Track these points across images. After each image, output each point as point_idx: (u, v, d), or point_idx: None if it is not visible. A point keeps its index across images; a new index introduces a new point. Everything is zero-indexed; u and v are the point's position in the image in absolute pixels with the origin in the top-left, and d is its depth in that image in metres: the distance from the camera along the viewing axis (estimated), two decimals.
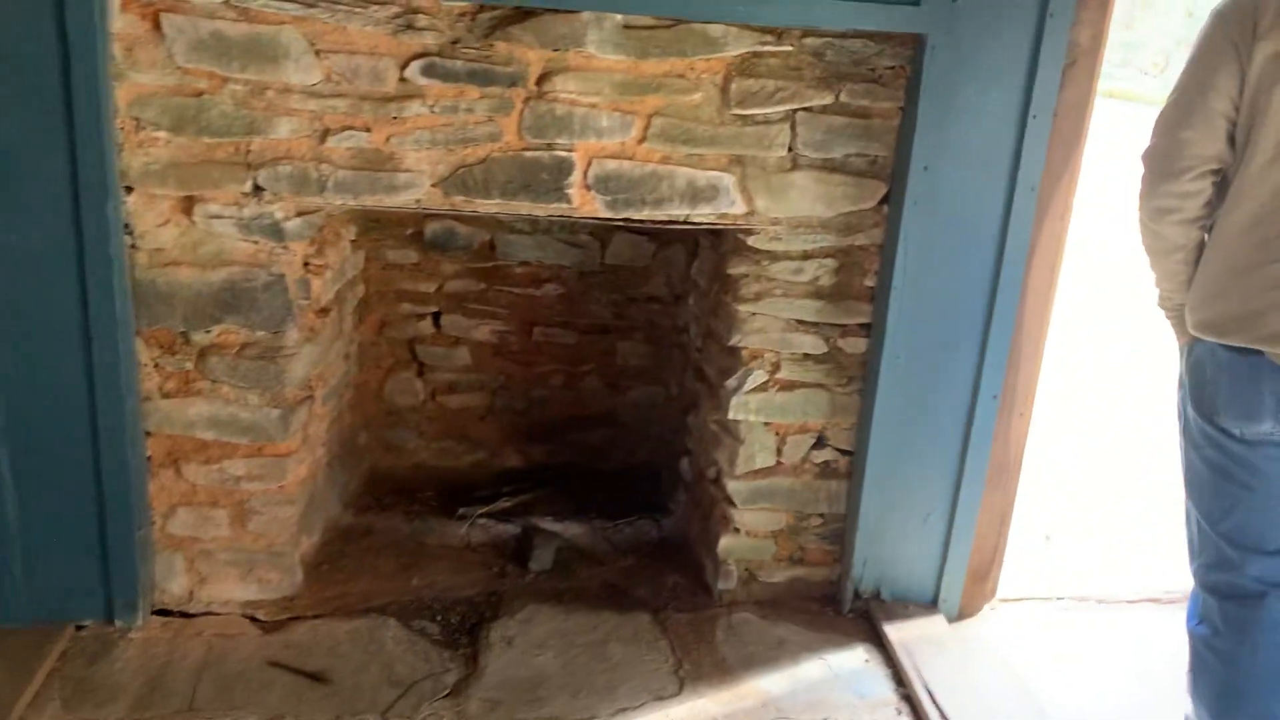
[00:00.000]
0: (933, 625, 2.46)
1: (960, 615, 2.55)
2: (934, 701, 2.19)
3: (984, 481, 2.44)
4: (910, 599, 2.53)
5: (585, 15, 2.05)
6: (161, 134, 2.05)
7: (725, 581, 2.55)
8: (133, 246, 2.11)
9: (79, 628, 2.28)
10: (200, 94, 2.04)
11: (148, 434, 2.26)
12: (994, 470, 2.46)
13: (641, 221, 2.25)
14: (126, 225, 2.08)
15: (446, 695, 2.17)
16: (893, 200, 2.26)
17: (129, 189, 2.07)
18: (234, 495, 2.35)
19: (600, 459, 3.15)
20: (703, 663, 2.32)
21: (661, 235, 2.93)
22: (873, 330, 2.37)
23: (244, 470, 2.33)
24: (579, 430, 3.15)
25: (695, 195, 2.22)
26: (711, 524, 2.60)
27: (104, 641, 2.26)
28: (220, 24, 1.99)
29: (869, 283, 2.36)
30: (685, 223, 2.26)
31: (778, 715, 2.17)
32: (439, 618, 2.43)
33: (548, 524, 2.82)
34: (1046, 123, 2.18)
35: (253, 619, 2.38)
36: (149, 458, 2.28)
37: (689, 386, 2.84)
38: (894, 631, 2.42)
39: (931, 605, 2.53)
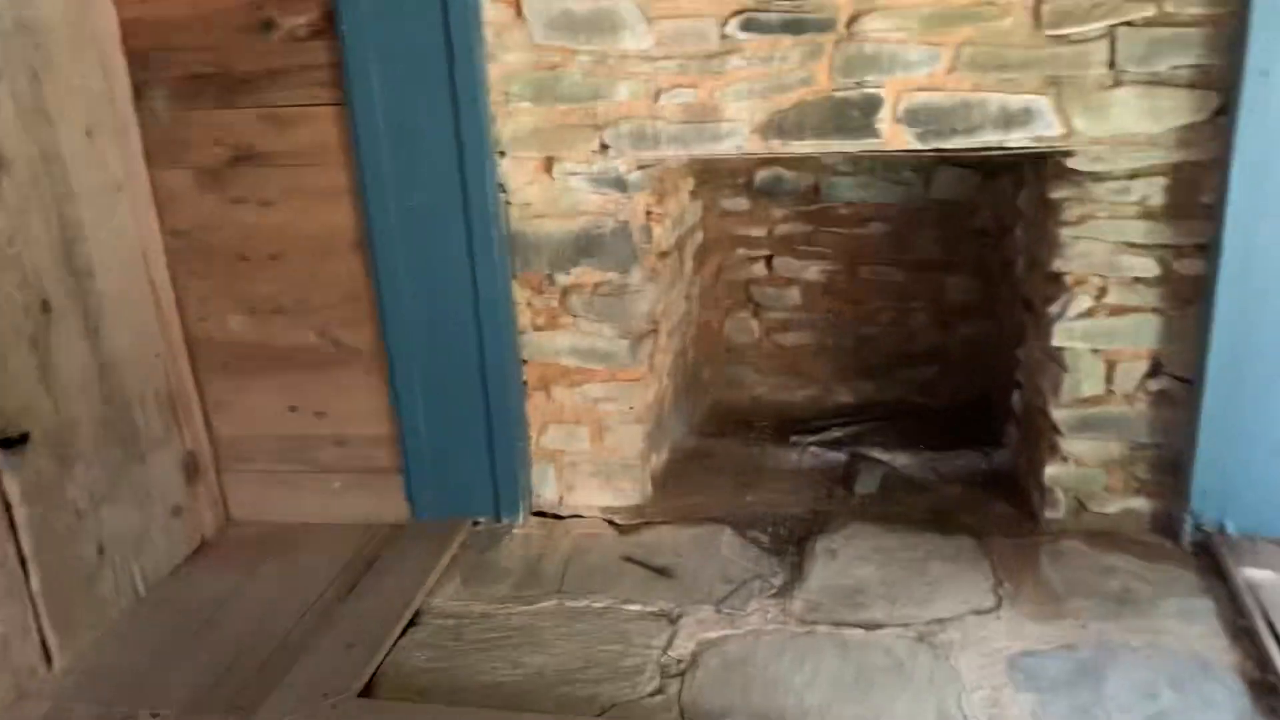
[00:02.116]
0: None
1: None
2: (1275, 635, 2.08)
3: None
4: (1261, 535, 2.39)
5: None
6: (525, 104, 2.42)
7: (1053, 510, 2.55)
8: (507, 203, 2.51)
9: (475, 523, 2.76)
10: (555, 67, 2.38)
11: (523, 362, 2.68)
12: None
13: (953, 151, 2.31)
14: (501, 185, 2.48)
15: (773, 594, 2.39)
16: (1229, 111, 2.14)
17: (502, 153, 2.46)
18: (593, 414, 2.71)
19: (930, 394, 3.23)
20: (1024, 584, 2.36)
21: (986, 167, 2.94)
22: (1210, 250, 2.26)
23: (601, 393, 2.68)
24: (908, 367, 3.24)
25: (1008, 121, 2.24)
26: (1039, 453, 2.60)
27: (493, 535, 2.72)
28: (569, 2, 2.32)
29: (1205, 199, 2.25)
30: (999, 149, 2.29)
31: (1098, 636, 2.17)
32: (769, 530, 2.65)
33: (876, 453, 2.96)
34: None
35: (610, 522, 2.74)
36: (525, 382, 2.70)
37: (1017, 318, 2.84)
38: (1237, 565, 2.30)
39: None
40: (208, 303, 2.70)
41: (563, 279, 2.58)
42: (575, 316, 2.62)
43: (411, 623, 2.38)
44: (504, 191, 2.50)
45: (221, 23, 2.42)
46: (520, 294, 2.61)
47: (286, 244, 2.60)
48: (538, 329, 2.64)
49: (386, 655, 2.26)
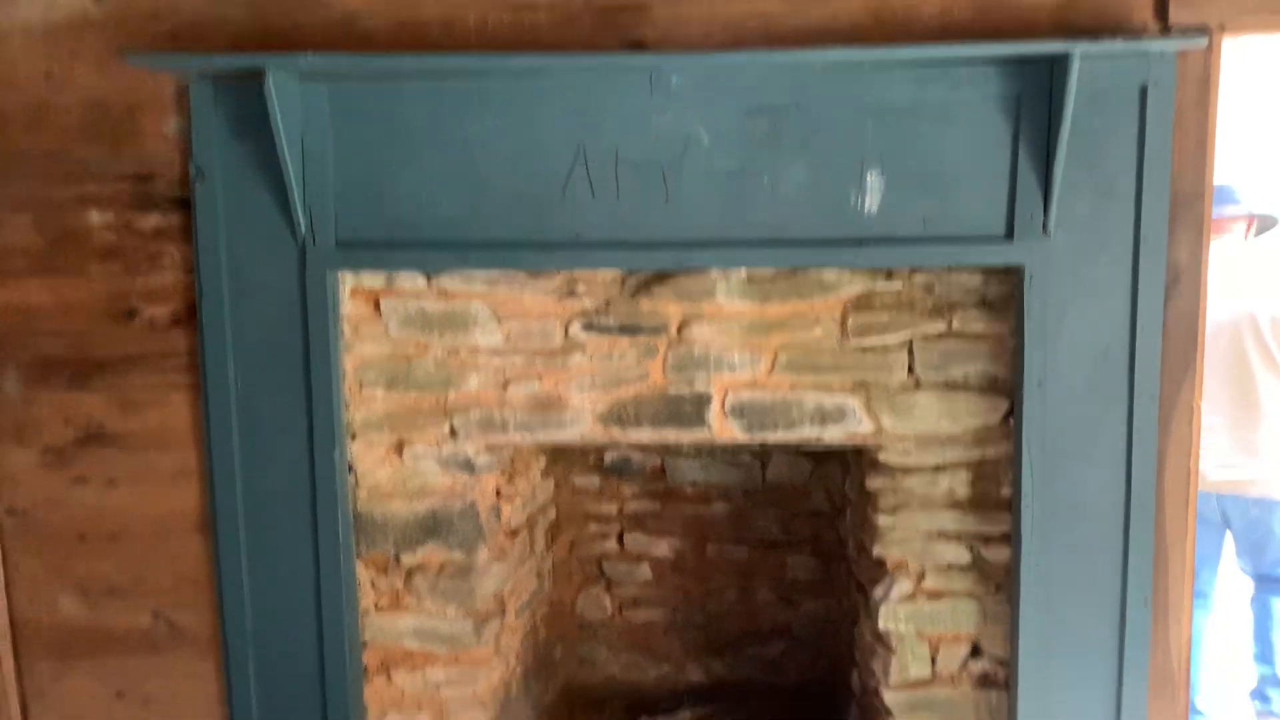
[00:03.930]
0: None
1: None
2: None
3: (1146, 691, 2.40)
4: None
5: (714, 273, 2.40)
6: (379, 391, 2.53)
7: None
8: (354, 484, 2.57)
9: None
10: (409, 358, 2.52)
11: (364, 645, 2.64)
12: (1158, 679, 2.41)
13: (776, 443, 2.50)
14: (350, 466, 2.55)
15: None
16: (1014, 414, 2.40)
17: (353, 436, 2.55)
18: (435, 699, 2.66)
19: (777, 673, 3.28)
20: None
21: (817, 454, 3.15)
22: (1012, 539, 2.45)
23: (444, 676, 2.64)
24: (755, 644, 3.30)
25: (824, 417, 2.45)
26: None
27: None
28: (424, 303, 2.49)
29: (1006, 492, 2.47)
30: (817, 443, 2.49)
31: None
32: None
33: None
34: (1156, 336, 2.29)
35: None
36: (365, 666, 2.65)
37: (853, 598, 2.96)
38: None
39: None
40: (38, 583, 2.61)
41: (408, 559, 2.61)
42: (419, 597, 2.62)
43: None
44: (352, 473, 2.56)
45: (84, 310, 2.51)
46: (364, 574, 2.61)
47: (128, 524, 2.57)
48: (380, 610, 2.63)
49: None
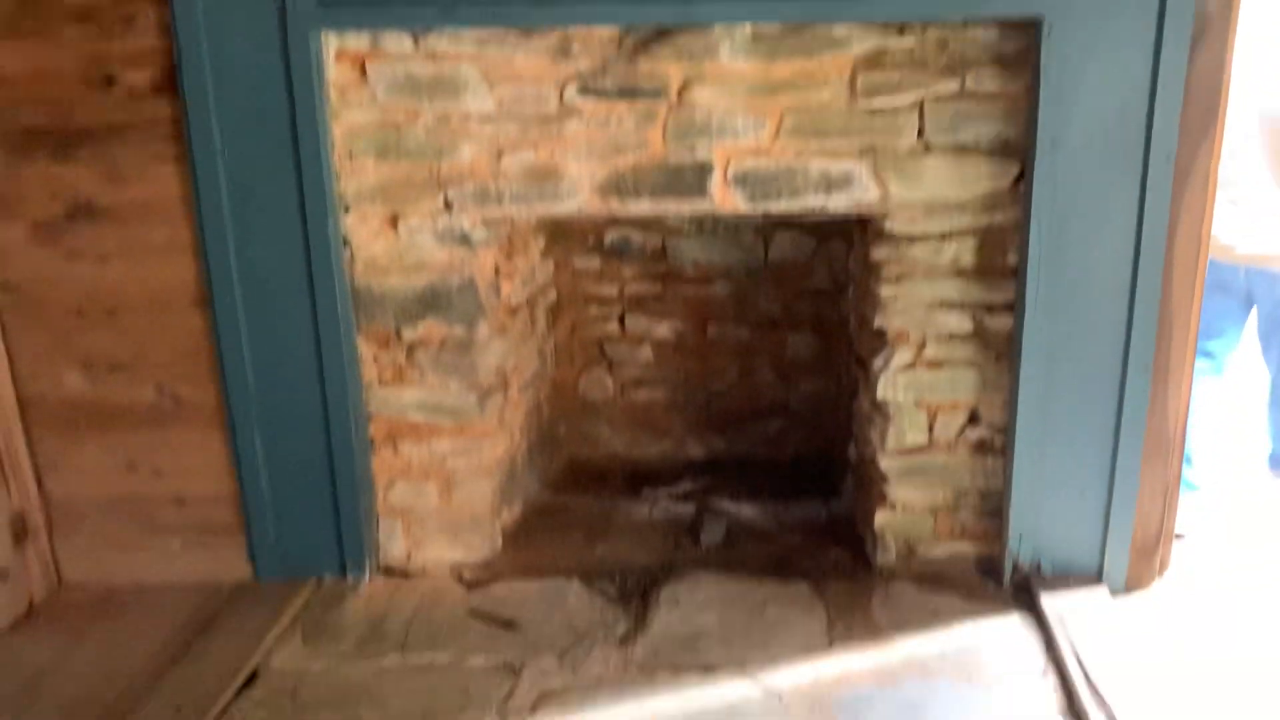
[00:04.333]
0: (1092, 597, 2.47)
1: (1128, 589, 2.54)
2: (1080, 666, 2.21)
3: (1141, 454, 2.44)
4: (1072, 572, 2.54)
5: (717, 29, 2.28)
6: (369, 162, 2.46)
7: (884, 555, 2.67)
8: (351, 258, 2.53)
9: (320, 581, 2.72)
10: (399, 126, 2.43)
11: (370, 417, 2.68)
12: (1153, 443, 2.45)
13: (780, 213, 2.44)
14: (345, 239, 2.51)
15: (616, 643, 2.42)
16: (1025, 178, 2.33)
17: (346, 209, 2.49)
18: (441, 470, 2.72)
19: (775, 448, 3.35)
20: (855, 625, 2.46)
21: (821, 230, 3.10)
22: (1015, 307, 2.44)
23: (449, 448, 2.70)
24: (755, 421, 3.35)
25: (830, 185, 2.39)
26: (870, 501, 2.72)
27: (338, 593, 2.68)
28: (412, 66, 2.38)
29: (1011, 260, 2.43)
30: (822, 212, 2.43)
31: (921, 672, 2.27)
32: (616, 581, 2.69)
33: (723, 505, 3.05)
34: (1178, 93, 2.19)
35: (458, 577, 2.74)
36: (371, 438, 2.69)
37: (852, 374, 2.98)
38: (1050, 602, 2.45)
39: (1095, 578, 2.53)
40: (41, 359, 2.62)
41: (409, 334, 2.61)
42: (422, 371, 2.64)
43: (247, 684, 2.32)
44: (348, 246, 2.52)
45: (61, 77, 2.40)
46: (366, 349, 2.62)
47: (124, 299, 2.55)
48: (384, 384, 2.65)
49: (218, 718, 2.21)
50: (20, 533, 2.65)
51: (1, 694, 2.33)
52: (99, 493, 2.72)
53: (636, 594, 2.63)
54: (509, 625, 2.51)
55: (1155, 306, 2.34)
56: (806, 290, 3.21)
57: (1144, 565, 2.55)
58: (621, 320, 3.33)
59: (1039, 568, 2.56)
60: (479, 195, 2.47)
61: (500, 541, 2.84)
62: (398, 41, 2.36)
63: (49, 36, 2.37)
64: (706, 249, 3.19)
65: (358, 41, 2.37)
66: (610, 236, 3.20)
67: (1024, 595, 2.53)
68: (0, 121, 2.44)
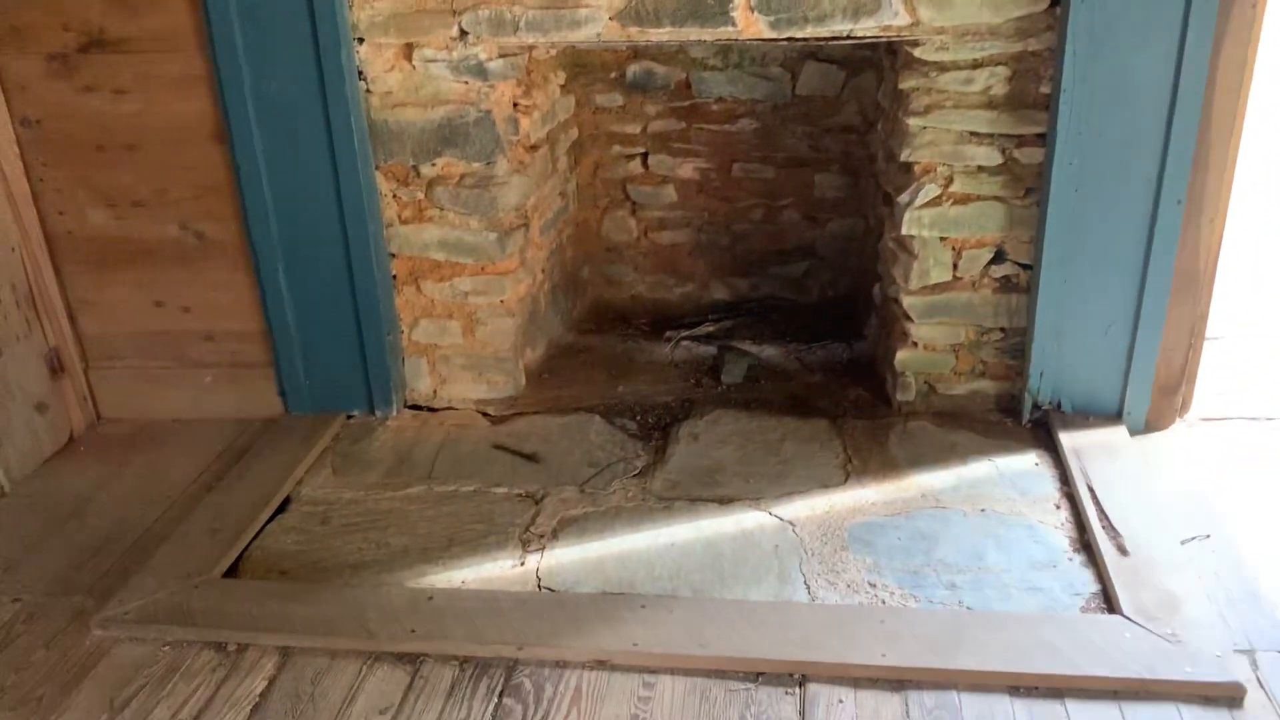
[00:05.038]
0: (1110, 435, 2.47)
1: (1147, 429, 2.54)
2: (1094, 498, 2.23)
3: (1168, 291, 2.39)
4: (1092, 411, 2.54)
5: None
6: None
7: (904, 393, 2.68)
8: (366, 91, 2.49)
9: (349, 416, 2.79)
10: None
11: (392, 255, 2.68)
12: (1182, 280, 2.40)
13: (806, 39, 2.36)
14: (360, 72, 2.46)
15: (635, 475, 2.48)
16: (1062, 2, 2.22)
17: (360, 40, 2.43)
18: (464, 308, 2.74)
19: (800, 291, 3.32)
20: (871, 460, 2.49)
21: (851, 62, 2.99)
22: (1046, 138, 2.36)
23: (471, 286, 2.71)
24: (780, 263, 3.32)
25: (857, 9, 2.29)
26: (892, 340, 2.71)
27: (366, 427, 2.75)
28: None
29: (1045, 89, 2.34)
30: (849, 37, 2.34)
31: (935, 504, 2.31)
32: (637, 417, 2.74)
33: (745, 346, 3.05)
34: None
35: (483, 413, 2.79)
36: (394, 276, 2.71)
37: (880, 213, 2.93)
38: (1068, 439, 2.45)
39: (1115, 418, 2.53)
40: (65, 195, 2.64)
41: (427, 170, 2.58)
42: (442, 209, 2.62)
43: (280, 510, 2.42)
44: (363, 79, 2.47)
45: None
46: (385, 186, 2.60)
47: (143, 134, 2.55)
48: (404, 222, 2.65)
49: (253, 540, 2.30)
50: (56, 368, 2.73)
51: (48, 517, 2.45)
52: (130, 329, 2.78)
53: (657, 429, 2.68)
54: (532, 458, 2.57)
55: (1192, 137, 2.25)
56: (835, 126, 3.11)
57: (1165, 405, 2.54)
58: (644, 159, 3.27)
59: (1059, 406, 2.56)
60: (494, 23, 2.40)
61: (524, 379, 2.88)
62: None
63: None
64: (732, 83, 3.09)
65: None
66: (632, 70, 3.11)
67: (1042, 433, 2.54)
68: None
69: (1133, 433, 2.51)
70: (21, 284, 2.61)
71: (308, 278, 2.63)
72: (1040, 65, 2.32)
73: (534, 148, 2.81)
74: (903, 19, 2.29)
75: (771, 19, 2.32)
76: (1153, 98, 2.23)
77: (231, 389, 2.79)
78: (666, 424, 2.70)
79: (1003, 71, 2.34)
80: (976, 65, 2.34)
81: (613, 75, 3.13)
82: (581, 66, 3.10)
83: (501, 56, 2.49)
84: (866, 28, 2.31)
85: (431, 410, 2.82)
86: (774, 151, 3.18)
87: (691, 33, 2.36)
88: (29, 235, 2.62)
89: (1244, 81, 2.23)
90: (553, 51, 2.86)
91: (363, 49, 2.45)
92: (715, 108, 3.14)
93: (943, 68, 2.35)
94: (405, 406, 2.82)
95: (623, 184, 3.32)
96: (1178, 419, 2.58)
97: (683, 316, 3.28)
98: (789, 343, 3.06)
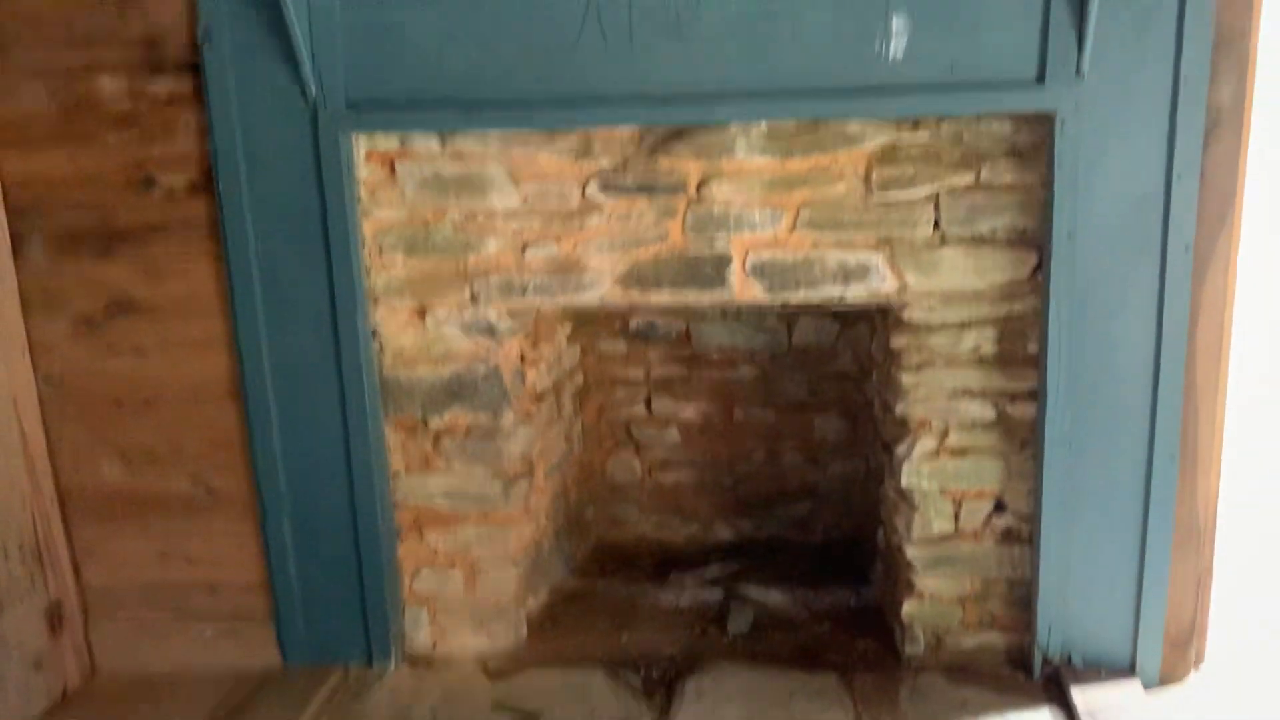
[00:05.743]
0: (1124, 691, 2.41)
1: (1161, 682, 2.48)
2: None
3: (1170, 544, 2.40)
4: (1105, 664, 2.49)
5: (733, 127, 2.34)
6: (399, 256, 2.53)
7: (911, 645, 2.63)
8: (379, 349, 2.59)
9: (346, 670, 2.73)
10: (427, 223, 2.50)
11: (396, 505, 2.71)
12: (1184, 533, 2.41)
13: (799, 303, 2.47)
14: (374, 331, 2.57)
15: None
16: (1043, 268, 2.34)
17: (375, 302, 2.56)
18: (467, 558, 2.74)
19: (803, 531, 3.33)
20: (882, 718, 2.42)
21: (844, 315, 3.12)
22: (1038, 395, 2.43)
23: (474, 535, 2.72)
24: (783, 504, 3.34)
25: (847, 275, 2.41)
26: (898, 590, 2.69)
27: (364, 682, 2.68)
28: (439, 166, 2.45)
29: (1032, 348, 2.43)
30: (840, 302, 2.45)
31: None
32: (641, 671, 2.67)
33: (751, 591, 3.02)
34: (1193, 183, 2.20)
35: (484, 668, 2.74)
36: (398, 525, 2.72)
37: (879, 457, 2.97)
38: (1081, 696, 2.39)
39: (1127, 672, 2.47)
40: (80, 450, 2.70)
41: (435, 422, 2.65)
42: (448, 459, 2.67)
43: None
44: (377, 338, 2.58)
45: (103, 180, 2.51)
46: (393, 437, 2.66)
47: (161, 391, 2.63)
48: (411, 472, 2.69)
49: None
50: (56, 622, 2.70)
51: None
52: (134, 581, 2.77)
53: (661, 685, 2.61)
54: (532, 717, 2.50)
55: (1179, 395, 2.32)
56: (831, 373, 3.21)
57: (1178, 658, 2.49)
58: (648, 403, 3.36)
59: (1069, 660, 2.51)
60: (504, 287, 2.53)
61: (525, 630, 2.84)
62: (426, 142, 2.44)
63: (92, 142, 2.48)
64: (731, 333, 3.22)
65: (387, 142, 2.46)
66: (635, 322, 3.24)
67: (1054, 688, 2.48)
68: (45, 223, 2.55)
69: (1147, 687, 2.45)
70: (29, 540, 2.63)
71: (312, 529, 2.65)
72: (1027, 326, 2.42)
73: (540, 396, 2.89)
74: (891, 284, 2.41)
75: (766, 284, 2.44)
76: (1138, 358, 2.32)
77: (231, 642, 2.76)
78: (671, 679, 2.63)
79: (990, 332, 2.44)
80: (965, 326, 2.44)
81: (617, 325, 3.26)
82: (587, 318, 3.23)
83: (510, 315, 2.61)
84: (857, 293, 2.43)
85: (430, 664, 2.76)
86: (773, 396, 3.26)
87: (690, 296, 2.48)
88: (40, 490, 2.66)
89: (1223, 341, 2.32)
90: (557, 310, 2.99)
91: (378, 310, 2.56)
92: (715, 355, 3.26)
93: (932, 328, 2.45)
94: (403, 659, 2.76)
95: (627, 425, 3.39)
96: (1192, 671, 2.52)
97: (688, 558, 3.27)
98: (795, 587, 3.03)
